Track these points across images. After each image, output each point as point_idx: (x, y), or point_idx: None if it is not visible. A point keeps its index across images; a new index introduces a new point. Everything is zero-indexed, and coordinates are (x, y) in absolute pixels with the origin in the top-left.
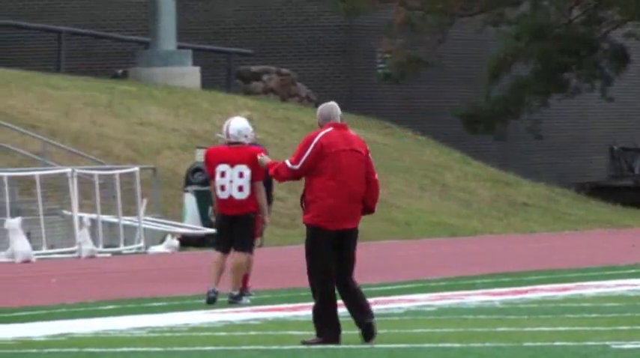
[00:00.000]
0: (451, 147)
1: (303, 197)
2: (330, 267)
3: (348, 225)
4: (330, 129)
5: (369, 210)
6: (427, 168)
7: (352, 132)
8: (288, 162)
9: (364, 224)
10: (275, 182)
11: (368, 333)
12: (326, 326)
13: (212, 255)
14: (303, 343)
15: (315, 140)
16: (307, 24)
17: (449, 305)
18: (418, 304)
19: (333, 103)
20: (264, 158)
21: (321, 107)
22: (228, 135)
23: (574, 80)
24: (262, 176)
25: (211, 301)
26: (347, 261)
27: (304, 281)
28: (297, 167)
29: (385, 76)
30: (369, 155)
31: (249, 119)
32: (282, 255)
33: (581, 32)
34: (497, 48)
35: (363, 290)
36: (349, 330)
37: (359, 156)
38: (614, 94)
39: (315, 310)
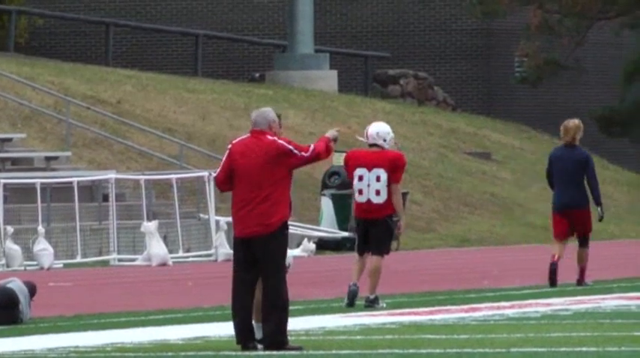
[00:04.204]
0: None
1: None
2: (246, 278)
3: (248, 232)
4: (246, 136)
5: None
6: None
7: (268, 138)
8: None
9: (504, 228)
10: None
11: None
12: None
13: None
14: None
15: (229, 147)
16: (444, 27)
17: (585, 309)
18: (554, 308)
19: (263, 109)
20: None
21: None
22: (367, 136)
23: None
24: (399, 179)
25: (353, 294)
26: (264, 270)
27: (441, 285)
28: (215, 174)
29: (522, 79)
30: (286, 154)
31: None
32: (419, 258)
33: None
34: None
35: (501, 293)
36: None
37: (255, 162)
38: None
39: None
